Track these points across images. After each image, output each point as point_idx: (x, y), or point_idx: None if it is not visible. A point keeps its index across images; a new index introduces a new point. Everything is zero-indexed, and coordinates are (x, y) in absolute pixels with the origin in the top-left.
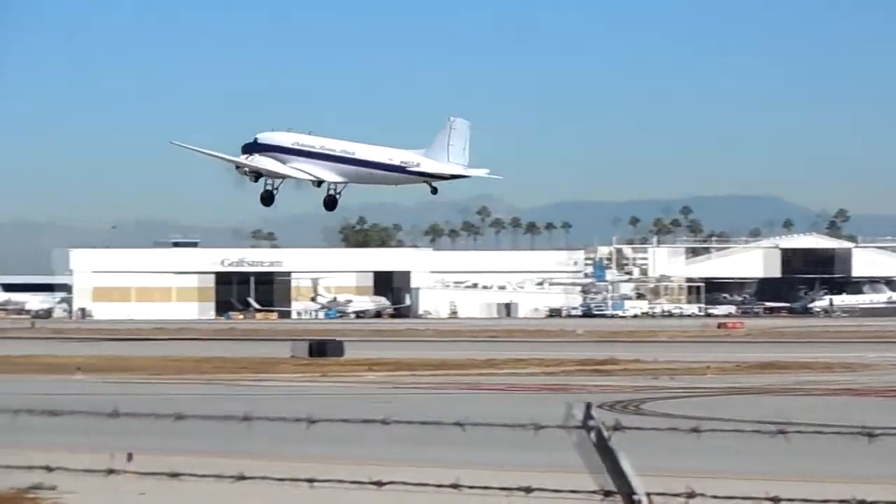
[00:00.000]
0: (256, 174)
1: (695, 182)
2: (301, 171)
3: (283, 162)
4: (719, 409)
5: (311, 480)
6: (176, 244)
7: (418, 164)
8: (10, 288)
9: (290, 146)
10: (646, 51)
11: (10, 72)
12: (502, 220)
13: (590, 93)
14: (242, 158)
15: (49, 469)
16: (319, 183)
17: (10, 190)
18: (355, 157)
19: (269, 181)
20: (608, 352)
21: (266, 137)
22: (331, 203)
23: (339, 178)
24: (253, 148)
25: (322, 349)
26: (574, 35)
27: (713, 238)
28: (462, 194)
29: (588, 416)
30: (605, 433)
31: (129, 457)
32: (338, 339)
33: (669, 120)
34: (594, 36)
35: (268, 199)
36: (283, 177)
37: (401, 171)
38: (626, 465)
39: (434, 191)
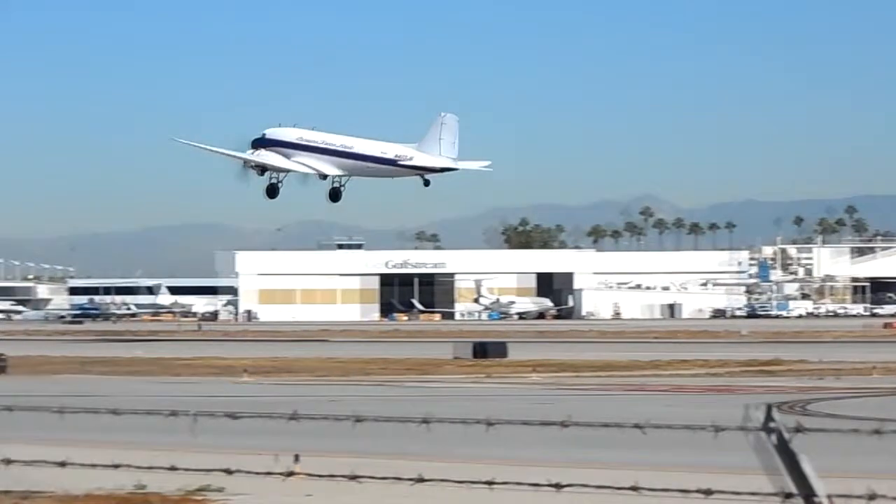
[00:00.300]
0: (262, 168)
1: (860, 181)
2: (303, 165)
3: (288, 157)
4: (887, 409)
5: (490, 483)
6: (340, 246)
7: (411, 158)
8: (175, 291)
9: (295, 141)
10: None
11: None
12: (665, 220)
13: (759, 94)
14: (249, 153)
15: (229, 472)
16: (324, 176)
17: (174, 191)
18: (353, 150)
19: (274, 175)
20: (773, 352)
21: (273, 133)
22: (335, 195)
23: (338, 172)
24: (260, 143)
25: (485, 350)
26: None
27: (878, 237)
28: (625, 195)
29: (769, 418)
30: (786, 435)
31: (296, 458)
32: (501, 340)
33: (832, 121)
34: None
35: (272, 191)
36: (287, 171)
37: (394, 165)
38: (807, 467)
39: (426, 183)
